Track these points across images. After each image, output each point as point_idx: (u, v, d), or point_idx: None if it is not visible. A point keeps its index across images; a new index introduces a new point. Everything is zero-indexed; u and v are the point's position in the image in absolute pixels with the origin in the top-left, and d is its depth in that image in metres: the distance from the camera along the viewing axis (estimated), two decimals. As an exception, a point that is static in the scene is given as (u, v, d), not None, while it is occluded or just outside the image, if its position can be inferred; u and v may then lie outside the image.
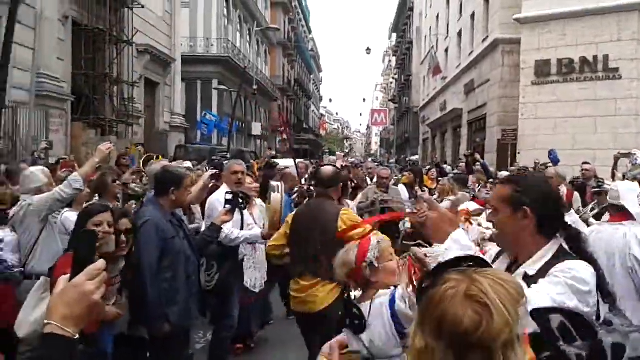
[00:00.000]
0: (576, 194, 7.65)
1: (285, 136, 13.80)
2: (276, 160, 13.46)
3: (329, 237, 3.84)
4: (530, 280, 1.97)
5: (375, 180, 8.77)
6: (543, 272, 2.01)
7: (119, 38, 17.60)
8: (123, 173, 7.28)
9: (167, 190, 3.93)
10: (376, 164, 17.53)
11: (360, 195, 7.70)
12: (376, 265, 2.65)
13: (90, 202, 4.49)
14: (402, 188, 8.45)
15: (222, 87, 27.51)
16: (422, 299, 1.28)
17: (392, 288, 2.54)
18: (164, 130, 23.02)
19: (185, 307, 3.90)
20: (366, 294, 2.62)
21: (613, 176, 7.68)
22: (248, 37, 36.68)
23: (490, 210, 2.39)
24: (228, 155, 15.12)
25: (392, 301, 2.45)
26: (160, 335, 3.71)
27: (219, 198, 4.73)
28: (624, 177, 7.59)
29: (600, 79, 15.96)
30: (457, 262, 1.30)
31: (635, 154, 7.76)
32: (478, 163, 11.22)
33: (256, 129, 34.56)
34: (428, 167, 14.10)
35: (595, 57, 15.99)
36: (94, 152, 5.07)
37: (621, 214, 3.82)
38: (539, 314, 1.02)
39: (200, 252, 4.20)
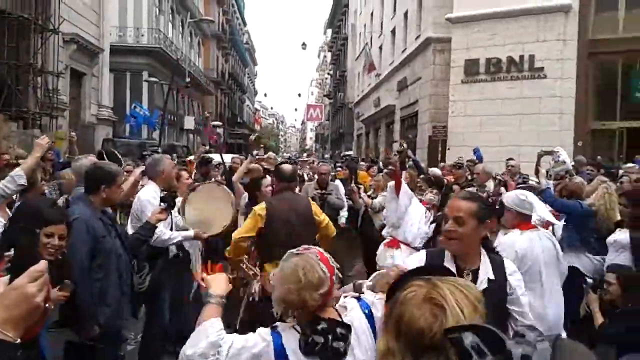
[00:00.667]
0: (502, 189, 7.96)
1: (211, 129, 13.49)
2: (211, 156, 13.21)
3: (307, 223, 4.62)
4: (495, 283, 2.67)
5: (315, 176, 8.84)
6: (499, 275, 2.72)
7: (44, 26, 16.73)
8: (47, 168, 6.96)
9: (98, 187, 3.79)
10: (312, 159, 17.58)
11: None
12: (340, 275, 2.31)
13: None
14: (339, 183, 8.53)
15: (153, 79, 26.79)
16: (389, 303, 1.36)
17: (354, 300, 2.29)
18: (90, 123, 22.10)
19: (117, 308, 3.80)
20: (324, 312, 2.19)
21: (537, 172, 8.04)
22: (180, 28, 35.80)
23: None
24: (159, 150, 14.74)
25: (368, 314, 2.22)
26: (89, 338, 3.58)
27: (148, 197, 4.62)
28: (547, 174, 7.99)
29: (526, 78, 16.69)
30: (423, 271, 1.38)
31: (557, 152, 8.18)
32: (410, 159, 11.46)
33: (189, 122, 33.85)
34: (367, 164, 14.27)
35: (521, 57, 16.69)
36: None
37: (528, 222, 4.08)
38: (451, 333, 1.06)
39: (133, 252, 4.07)
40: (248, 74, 75.47)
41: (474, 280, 2.57)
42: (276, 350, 2.09)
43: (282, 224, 4.51)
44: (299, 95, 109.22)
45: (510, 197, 4.16)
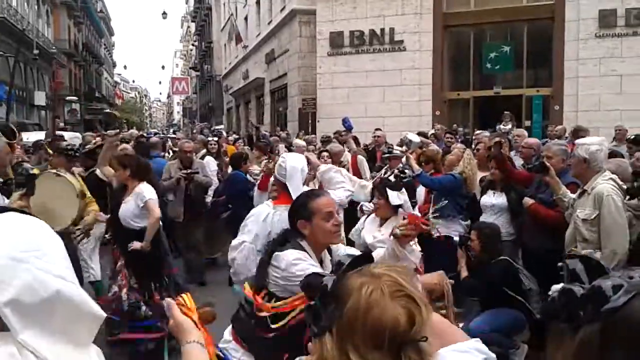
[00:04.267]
0: (360, 158, 7.99)
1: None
2: (63, 133, 12.12)
3: None
4: None
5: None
6: None
7: None
8: None
9: None
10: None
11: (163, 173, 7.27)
12: None
13: None
14: (209, 160, 8.22)
15: (-5, 51, 24.07)
16: (337, 314, 1.16)
17: None
18: None
19: None
20: None
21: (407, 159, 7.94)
22: (25, -5, 32.35)
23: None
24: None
25: None
26: None
27: None
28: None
29: (387, 51, 17.29)
30: (348, 267, 1.26)
31: (406, 137, 8.27)
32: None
33: (39, 98, 30.97)
34: (235, 137, 14.05)
35: (382, 30, 17.25)
36: None
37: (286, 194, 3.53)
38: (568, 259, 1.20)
39: None
40: (104, 44, 70.56)
41: None
42: None
43: None
44: (163, 67, 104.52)
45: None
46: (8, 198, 4.10)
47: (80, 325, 1.18)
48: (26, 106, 31.17)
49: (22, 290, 1.07)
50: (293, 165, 3.59)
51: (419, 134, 10.17)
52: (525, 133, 7.82)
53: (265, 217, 3.48)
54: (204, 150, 9.00)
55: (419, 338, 1.11)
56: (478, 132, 10.04)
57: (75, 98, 35.96)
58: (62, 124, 13.43)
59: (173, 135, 14.92)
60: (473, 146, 7.30)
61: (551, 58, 16.31)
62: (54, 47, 35.58)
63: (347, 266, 1.30)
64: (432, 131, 11.36)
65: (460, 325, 4.50)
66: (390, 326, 1.10)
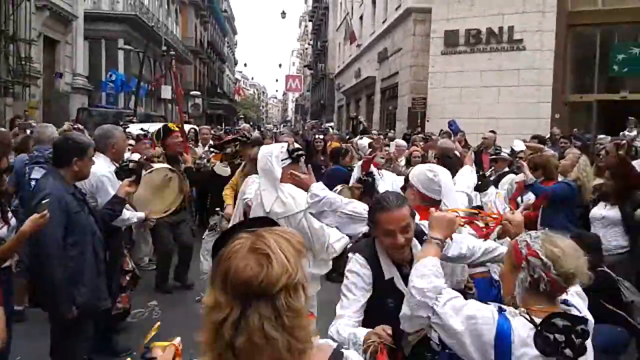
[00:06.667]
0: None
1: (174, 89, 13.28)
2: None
3: None
4: None
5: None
6: None
7: (14, -8, 16.26)
8: (16, 135, 6.82)
9: (70, 160, 3.58)
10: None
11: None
12: None
13: None
14: None
15: (128, 47, 26.16)
16: (215, 259, 1.34)
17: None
18: (65, 91, 21.67)
19: (94, 287, 3.65)
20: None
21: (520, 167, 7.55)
22: (157, -5, 34.97)
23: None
24: (135, 120, 14.44)
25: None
26: (67, 319, 3.45)
27: (104, 172, 4.32)
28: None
29: (505, 50, 16.67)
30: (250, 225, 1.39)
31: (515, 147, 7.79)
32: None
33: (166, 92, 33.22)
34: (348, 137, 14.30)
35: (500, 29, 16.66)
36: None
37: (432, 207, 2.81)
38: None
39: (105, 228, 3.91)
40: (228, 43, 74.16)
41: None
42: (500, 333, 1.88)
43: None
44: (280, 65, 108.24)
45: (417, 173, 3.23)
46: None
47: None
48: (153, 99, 33.68)
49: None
50: (447, 181, 3.19)
51: (535, 137, 9.79)
52: (645, 139, 7.29)
53: None
54: None
55: (268, 294, 1.21)
56: (601, 136, 9.47)
57: (198, 93, 38.20)
58: (185, 117, 14.28)
59: (276, 131, 15.48)
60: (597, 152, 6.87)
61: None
62: (181, 45, 38.08)
63: (246, 223, 1.45)
64: (547, 136, 10.88)
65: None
66: (234, 274, 1.23)
